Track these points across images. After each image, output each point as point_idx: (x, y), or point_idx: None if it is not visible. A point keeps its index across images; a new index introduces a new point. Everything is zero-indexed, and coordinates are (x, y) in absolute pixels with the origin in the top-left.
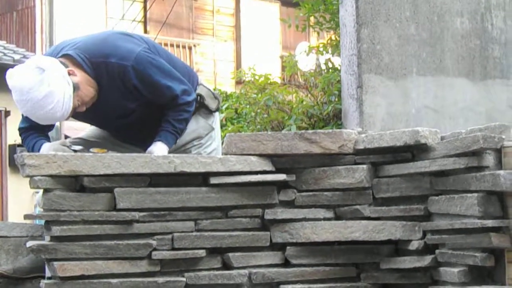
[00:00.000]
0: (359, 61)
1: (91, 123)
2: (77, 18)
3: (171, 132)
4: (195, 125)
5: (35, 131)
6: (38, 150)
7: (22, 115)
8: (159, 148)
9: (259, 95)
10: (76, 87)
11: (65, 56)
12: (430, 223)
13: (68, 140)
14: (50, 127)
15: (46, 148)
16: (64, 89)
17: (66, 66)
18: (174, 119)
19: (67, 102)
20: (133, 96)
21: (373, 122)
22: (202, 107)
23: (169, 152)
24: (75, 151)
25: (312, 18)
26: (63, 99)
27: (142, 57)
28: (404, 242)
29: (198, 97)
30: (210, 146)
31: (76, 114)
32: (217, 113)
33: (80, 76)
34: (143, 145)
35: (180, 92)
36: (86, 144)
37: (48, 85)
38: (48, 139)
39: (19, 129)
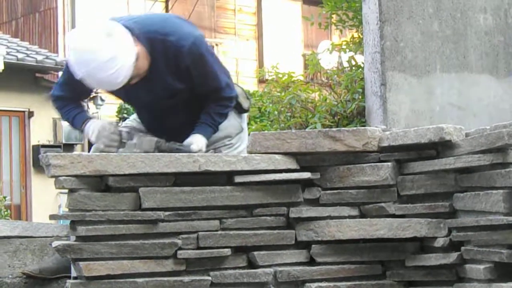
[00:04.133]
0: (382, 58)
1: (133, 102)
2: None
3: (210, 125)
4: (227, 122)
5: (72, 102)
6: (80, 126)
7: (59, 83)
8: (198, 140)
9: (283, 93)
10: (137, 58)
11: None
12: (455, 220)
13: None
14: (85, 97)
15: (95, 125)
16: (128, 55)
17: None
18: (214, 112)
19: (128, 69)
20: (182, 78)
21: (397, 119)
22: (236, 106)
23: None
24: (126, 132)
25: (334, 16)
26: (126, 65)
27: (200, 41)
28: (430, 239)
29: None
30: (239, 147)
31: (120, 92)
32: (245, 115)
33: (139, 47)
34: (176, 136)
35: (225, 84)
36: (133, 130)
37: (115, 49)
38: (86, 112)
39: (53, 96)
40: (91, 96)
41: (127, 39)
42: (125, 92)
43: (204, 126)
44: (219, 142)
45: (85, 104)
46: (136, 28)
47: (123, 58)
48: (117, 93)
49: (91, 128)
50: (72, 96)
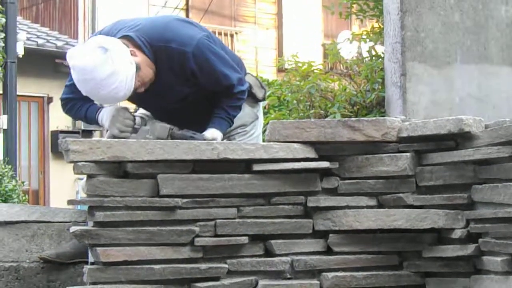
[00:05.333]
0: (402, 48)
1: (145, 107)
2: (119, 5)
3: (225, 119)
4: (241, 112)
5: (81, 100)
6: (94, 115)
7: (66, 86)
8: (213, 134)
9: (302, 82)
10: (137, 68)
11: (125, 37)
12: (473, 212)
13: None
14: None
15: (108, 111)
16: (127, 68)
17: (127, 47)
18: (228, 105)
19: (129, 82)
20: (190, 82)
21: (417, 110)
22: (249, 96)
23: None
24: (140, 118)
25: (355, 6)
26: (126, 79)
27: (202, 44)
28: (447, 230)
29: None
30: (253, 134)
31: (131, 97)
32: (261, 103)
33: (140, 57)
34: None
35: (236, 81)
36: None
37: (112, 64)
38: (97, 104)
39: (62, 100)
40: None
41: (124, 52)
42: (137, 99)
43: (219, 120)
44: (233, 130)
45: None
46: (137, 37)
47: (122, 72)
48: (129, 99)
49: (105, 115)
50: (81, 96)
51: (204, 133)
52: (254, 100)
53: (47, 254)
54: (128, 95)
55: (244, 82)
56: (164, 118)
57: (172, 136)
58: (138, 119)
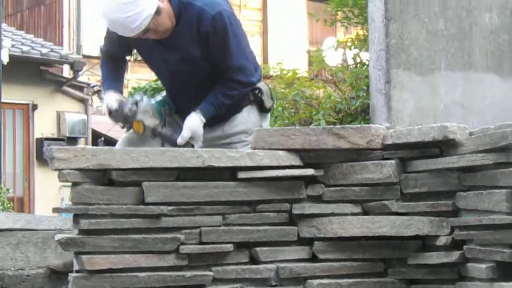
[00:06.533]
0: (387, 56)
1: (155, 68)
2: None
3: (213, 103)
4: (247, 117)
5: (111, 61)
6: (104, 93)
7: (103, 38)
8: (190, 121)
9: (287, 90)
10: (158, 11)
11: None
12: (458, 219)
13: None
14: (124, 54)
15: (109, 98)
16: (149, 5)
17: None
18: (220, 91)
19: (144, 19)
20: (202, 45)
21: (401, 117)
22: (258, 102)
23: (216, 138)
24: (135, 101)
25: (340, 13)
26: (142, 14)
27: (226, 14)
28: (432, 237)
29: (257, 91)
30: None
31: (142, 49)
32: (268, 115)
33: (165, 5)
34: (188, 111)
35: (239, 67)
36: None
37: None
38: (117, 77)
39: (100, 50)
40: (131, 55)
41: None
42: (148, 53)
43: (206, 104)
44: (236, 136)
45: (123, 66)
46: None
47: (143, 6)
48: (140, 51)
49: (104, 103)
50: (112, 51)
51: (186, 120)
52: (262, 109)
53: (54, 264)
54: (138, 31)
55: (248, 75)
56: (167, 81)
57: (155, 132)
58: (127, 110)
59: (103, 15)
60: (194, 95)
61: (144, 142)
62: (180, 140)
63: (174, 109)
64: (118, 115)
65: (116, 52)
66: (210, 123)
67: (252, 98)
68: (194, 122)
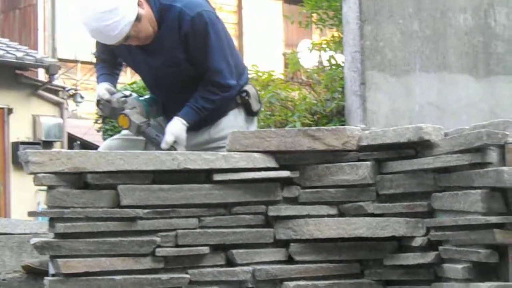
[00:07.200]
0: (362, 57)
1: (139, 73)
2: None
3: (193, 108)
4: (233, 120)
5: (104, 62)
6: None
7: (95, 42)
8: (172, 126)
9: (262, 92)
10: (138, 18)
11: None
12: (434, 220)
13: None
14: (115, 61)
15: (100, 87)
16: (128, 13)
17: None
18: (201, 96)
19: (124, 26)
20: (183, 48)
21: (377, 118)
22: (245, 105)
23: (203, 142)
24: (124, 96)
25: (315, 15)
26: (122, 22)
27: (206, 14)
28: (408, 238)
29: (244, 94)
30: None
31: (125, 56)
32: (255, 119)
33: (146, 11)
34: (177, 112)
35: (219, 69)
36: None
37: (116, 2)
38: (111, 74)
39: (93, 54)
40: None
41: None
42: (131, 59)
43: (187, 109)
44: (223, 141)
45: (117, 68)
46: None
47: (122, 13)
48: (124, 58)
49: (99, 90)
50: (102, 57)
51: (168, 124)
52: (249, 112)
53: (30, 261)
54: (119, 39)
55: (227, 78)
56: (152, 86)
57: (139, 131)
58: (115, 103)
59: (83, 24)
60: (180, 98)
61: (125, 149)
62: (163, 145)
63: (161, 111)
64: (106, 106)
65: (107, 58)
66: (196, 128)
67: (239, 101)
68: (176, 127)
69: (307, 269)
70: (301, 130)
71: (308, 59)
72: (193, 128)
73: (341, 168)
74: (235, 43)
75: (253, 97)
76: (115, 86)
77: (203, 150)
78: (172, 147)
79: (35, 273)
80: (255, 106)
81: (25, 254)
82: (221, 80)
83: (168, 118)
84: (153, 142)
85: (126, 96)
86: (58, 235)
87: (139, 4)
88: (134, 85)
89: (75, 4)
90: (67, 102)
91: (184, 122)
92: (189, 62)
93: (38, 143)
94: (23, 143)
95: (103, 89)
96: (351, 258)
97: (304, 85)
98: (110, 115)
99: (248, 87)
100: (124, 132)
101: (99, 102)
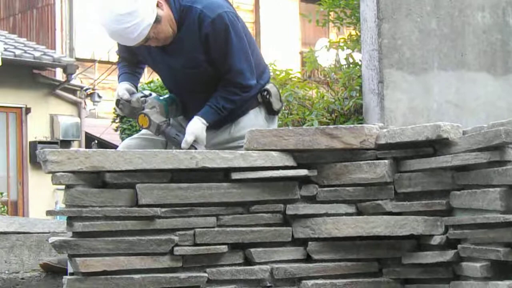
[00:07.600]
0: (380, 56)
1: (160, 73)
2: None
3: (214, 108)
4: (254, 119)
5: (126, 61)
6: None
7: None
8: (192, 125)
9: (280, 90)
10: (157, 19)
11: None
12: (452, 218)
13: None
14: (136, 61)
15: (120, 87)
16: (147, 15)
17: None
18: (221, 96)
19: (144, 29)
20: (204, 49)
21: (395, 117)
22: (266, 104)
23: (223, 141)
24: (144, 95)
25: (332, 13)
26: (141, 24)
27: (227, 15)
28: (426, 237)
29: (265, 92)
30: None
31: (145, 57)
32: (276, 118)
33: (166, 12)
34: (197, 112)
35: (239, 70)
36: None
37: (135, 4)
38: (132, 73)
39: (116, 53)
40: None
41: (151, 0)
42: (151, 59)
43: (208, 108)
44: (242, 140)
45: (139, 67)
46: None
47: (141, 16)
48: (144, 58)
49: (120, 89)
50: (124, 56)
51: (188, 125)
52: (269, 111)
53: (49, 259)
54: (138, 41)
55: (248, 78)
56: (172, 86)
57: (159, 130)
58: (134, 102)
59: (102, 25)
60: (200, 97)
61: (144, 148)
62: (184, 145)
63: (181, 111)
64: (125, 105)
65: (128, 56)
66: (217, 126)
67: (260, 100)
68: (196, 126)
69: (325, 267)
70: (319, 128)
71: (326, 58)
72: (214, 126)
73: (359, 166)
74: None
75: (274, 96)
76: (136, 85)
77: (223, 149)
78: (192, 147)
79: (54, 271)
80: (276, 105)
81: (43, 253)
82: (242, 81)
83: (188, 118)
84: (173, 142)
85: (145, 96)
86: (76, 234)
87: (158, 5)
88: (152, 84)
89: (94, 5)
90: (85, 102)
91: (204, 121)
92: (209, 64)
93: (55, 143)
94: (40, 142)
95: (123, 89)
96: (369, 257)
97: (321, 84)
98: (129, 114)
99: (269, 86)
100: (143, 131)
101: (118, 102)
